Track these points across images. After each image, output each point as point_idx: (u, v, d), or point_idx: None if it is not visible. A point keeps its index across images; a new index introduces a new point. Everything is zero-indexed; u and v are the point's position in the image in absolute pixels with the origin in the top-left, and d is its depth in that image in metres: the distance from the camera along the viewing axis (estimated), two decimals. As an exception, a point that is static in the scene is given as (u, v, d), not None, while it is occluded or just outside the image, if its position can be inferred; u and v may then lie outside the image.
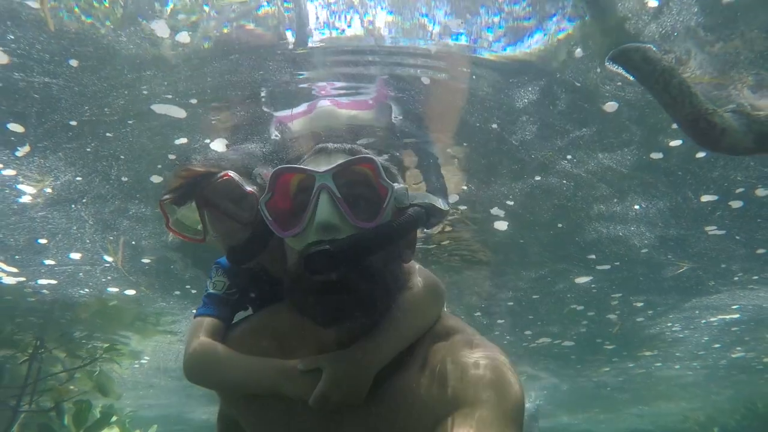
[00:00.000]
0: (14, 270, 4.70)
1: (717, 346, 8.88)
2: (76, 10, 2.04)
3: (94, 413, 5.28)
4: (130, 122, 2.72)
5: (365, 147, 0.97)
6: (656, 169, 3.28)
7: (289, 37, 2.20)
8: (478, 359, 0.87)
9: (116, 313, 5.73)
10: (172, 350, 7.44)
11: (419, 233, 4.06)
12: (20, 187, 3.36)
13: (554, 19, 2.09)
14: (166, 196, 1.31)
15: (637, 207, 3.78)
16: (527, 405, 0.87)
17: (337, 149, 0.92)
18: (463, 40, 2.19)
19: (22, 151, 3.00)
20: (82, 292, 5.25)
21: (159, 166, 3.13)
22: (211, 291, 1.23)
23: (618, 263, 4.84)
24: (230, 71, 2.39)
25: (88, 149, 2.97)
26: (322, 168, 0.83)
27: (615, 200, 3.70)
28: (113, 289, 5.24)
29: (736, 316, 6.98)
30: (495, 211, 3.83)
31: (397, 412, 0.87)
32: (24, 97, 2.54)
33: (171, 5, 2.05)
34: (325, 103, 2.61)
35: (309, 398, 0.86)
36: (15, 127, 2.77)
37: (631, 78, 2.22)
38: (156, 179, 3.26)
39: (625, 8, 2.06)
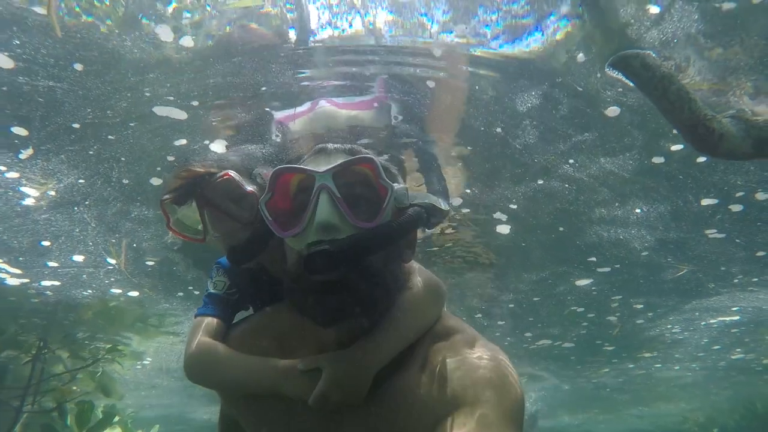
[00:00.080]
0: (18, 271, 4.72)
1: (717, 347, 8.89)
2: (77, 9, 2.04)
3: (96, 414, 5.29)
4: (131, 124, 2.73)
5: (365, 147, 0.99)
6: (657, 174, 3.29)
7: (291, 36, 2.21)
8: (478, 359, 0.87)
9: (119, 315, 5.74)
10: (175, 351, 7.46)
11: (420, 234, 4.06)
12: (23, 189, 3.38)
13: (552, 18, 2.09)
14: (167, 196, 1.32)
15: (638, 211, 3.80)
16: (526, 407, 0.89)
17: (337, 149, 0.92)
18: (461, 37, 2.19)
19: (25, 154, 3.01)
20: (85, 293, 5.27)
21: (158, 168, 3.14)
22: (211, 291, 1.23)
23: (618, 266, 4.86)
24: (232, 73, 2.40)
25: (91, 152, 2.98)
26: (322, 168, 0.83)
27: (616, 204, 3.72)
28: (116, 291, 5.26)
29: (736, 318, 6.99)
30: (498, 215, 3.85)
31: (397, 412, 0.86)
32: (28, 100, 2.56)
33: (173, 5, 2.06)
34: (325, 104, 2.61)
35: (309, 398, 0.86)
36: (19, 131, 2.78)
37: (631, 84, 2.24)
38: (156, 181, 3.27)
39: (627, 14, 2.07)
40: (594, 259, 4.70)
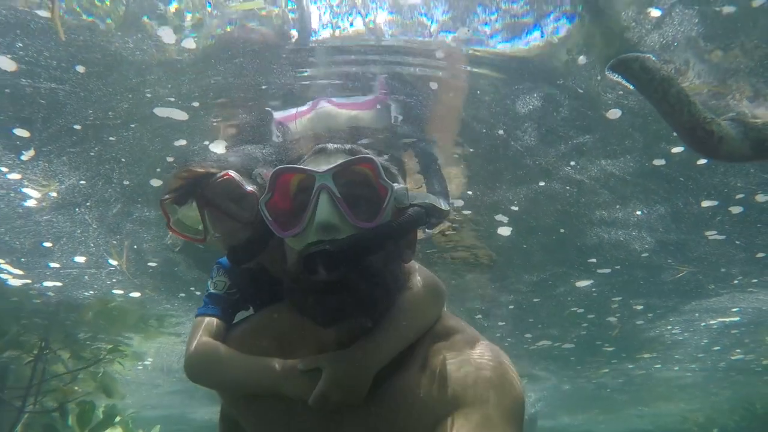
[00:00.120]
0: (20, 272, 4.73)
1: (716, 348, 8.90)
2: (77, 9, 2.04)
3: (97, 414, 5.31)
4: (132, 126, 2.73)
5: (366, 147, 0.99)
6: (658, 176, 3.30)
7: (292, 36, 2.21)
8: (478, 359, 0.87)
9: (120, 315, 5.75)
10: (176, 351, 7.47)
11: (420, 234, 4.05)
12: (25, 190, 3.39)
13: (551, 17, 2.09)
14: (167, 196, 1.32)
15: (638, 213, 3.81)
16: (526, 408, 0.89)
17: (337, 149, 0.92)
18: (461, 36, 2.19)
19: (27, 156, 3.02)
20: (87, 294, 5.28)
21: (158, 170, 3.15)
22: (212, 291, 1.23)
23: (618, 267, 4.87)
24: (234, 74, 2.40)
25: (92, 153, 2.99)
26: (322, 168, 0.83)
27: (617, 206, 3.73)
28: (118, 292, 5.27)
29: (736, 319, 7.00)
30: (499, 217, 3.86)
31: (397, 412, 0.87)
32: (30, 102, 2.56)
33: (174, 4, 2.06)
34: (325, 104, 2.62)
35: (309, 398, 0.86)
36: (21, 132, 2.79)
37: (631, 87, 2.25)
38: (155, 183, 3.28)
39: (628, 17, 2.08)
40: (594, 260, 4.71)
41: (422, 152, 3.05)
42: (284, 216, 0.88)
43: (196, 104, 2.57)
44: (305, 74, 2.39)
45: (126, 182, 3.30)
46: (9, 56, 2.25)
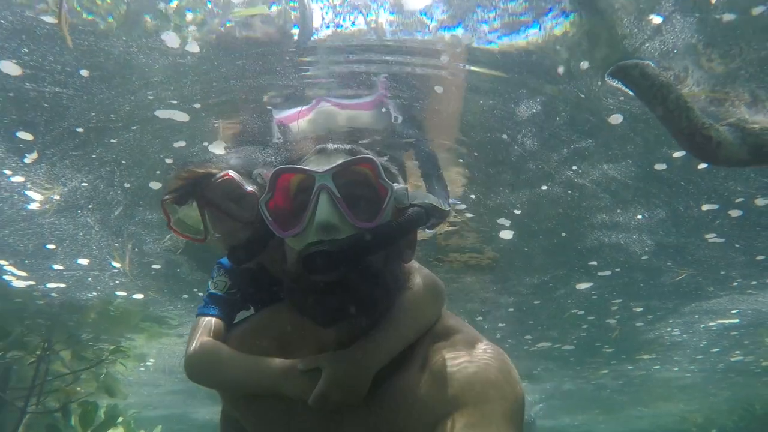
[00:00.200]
0: (24, 274, 4.75)
1: (716, 350, 8.92)
2: (77, 8, 2.03)
3: (99, 414, 5.32)
4: (133, 128, 2.74)
5: (366, 147, 0.98)
6: (659, 180, 3.32)
7: (293, 35, 2.21)
8: (478, 359, 0.87)
9: (123, 316, 5.76)
10: (177, 352, 7.48)
11: (422, 235, 4.05)
12: (28, 193, 3.41)
13: (550, 14, 2.09)
14: (167, 197, 1.33)
15: (639, 217, 3.83)
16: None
17: (337, 149, 0.92)
18: (460, 33, 2.19)
19: (30, 158, 3.04)
20: (90, 295, 5.30)
21: (158, 172, 3.15)
22: (212, 291, 1.24)
23: (618, 269, 4.89)
24: (236, 76, 2.41)
25: (93, 156, 3.00)
26: (322, 168, 0.83)
27: (618, 210, 3.75)
28: (121, 293, 5.28)
29: (736, 320, 7.01)
30: (501, 220, 3.87)
31: (397, 412, 0.86)
32: (34, 106, 2.57)
33: (175, 2, 2.05)
34: (325, 104, 2.62)
35: (309, 398, 0.86)
36: (24, 135, 2.80)
37: (631, 93, 2.27)
38: (155, 185, 3.29)
39: (631, 23, 2.10)
40: (594, 262, 4.73)
41: (422, 152, 3.05)
42: (284, 216, 0.88)
43: (197, 106, 2.58)
44: (306, 73, 2.40)
45: (127, 185, 3.31)
46: (14, 61, 2.26)
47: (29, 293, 5.18)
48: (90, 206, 3.59)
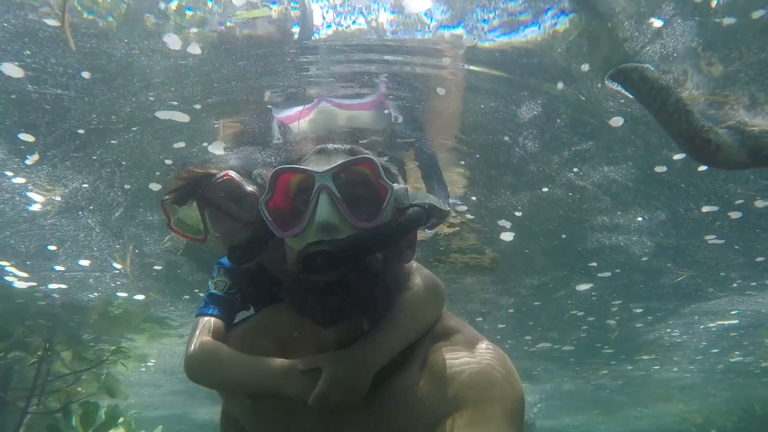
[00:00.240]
0: (25, 275, 4.76)
1: (715, 351, 8.93)
2: (78, 7, 2.03)
3: (100, 415, 5.33)
4: (133, 129, 2.74)
5: (366, 148, 0.99)
6: (660, 182, 3.33)
7: (294, 33, 2.21)
8: (478, 359, 0.87)
9: (124, 317, 5.77)
10: (178, 353, 7.49)
11: (423, 236, 4.02)
12: (30, 195, 3.41)
13: (549, 13, 2.09)
14: (168, 197, 1.33)
15: (639, 219, 3.84)
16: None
17: (337, 149, 0.92)
18: (460, 31, 2.19)
19: (31, 160, 3.04)
20: (91, 296, 5.31)
21: (157, 173, 3.16)
22: (212, 291, 1.24)
23: (618, 270, 4.90)
24: (237, 77, 2.41)
25: (94, 157, 3.01)
26: (322, 168, 0.83)
27: (619, 212, 3.76)
28: (122, 294, 5.29)
29: (735, 321, 7.03)
30: (502, 222, 3.88)
31: (397, 412, 0.86)
32: (36, 108, 2.58)
33: (175, 1, 2.05)
34: (326, 104, 2.62)
35: (309, 398, 0.86)
36: (25, 137, 2.81)
37: (630, 96, 2.28)
38: (155, 186, 3.29)
39: (632, 27, 2.11)
40: (594, 264, 4.74)
41: (422, 153, 3.06)
42: (284, 216, 0.88)
43: (197, 106, 2.58)
44: (307, 73, 2.40)
45: (127, 186, 3.32)
46: (17, 63, 2.27)
47: (31, 294, 5.19)
48: (91, 207, 3.60)
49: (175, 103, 2.55)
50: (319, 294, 0.79)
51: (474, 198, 3.57)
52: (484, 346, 0.91)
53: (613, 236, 4.16)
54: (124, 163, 3.06)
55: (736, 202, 3.57)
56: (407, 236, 0.89)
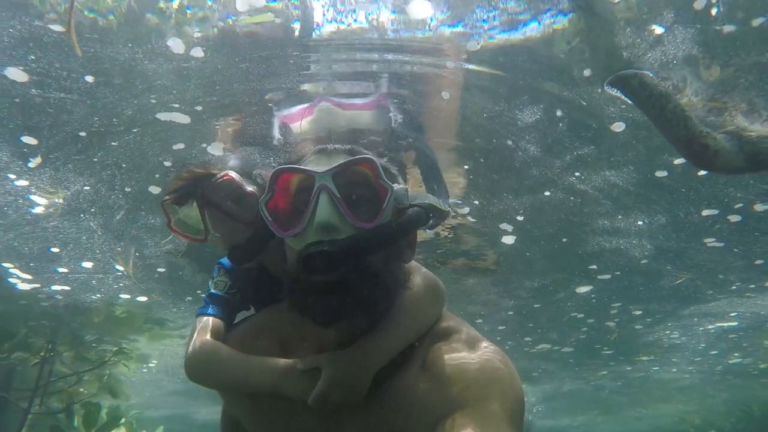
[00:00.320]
0: (29, 277, 4.78)
1: (714, 352, 8.95)
2: (78, 6, 2.03)
3: (102, 415, 5.34)
4: (134, 130, 2.75)
5: (366, 148, 0.97)
6: (660, 186, 3.35)
7: (295, 31, 2.20)
8: (478, 359, 0.87)
9: (127, 318, 5.77)
10: (180, 353, 7.50)
11: (424, 236, 4.00)
12: (33, 197, 3.43)
13: (548, 13, 2.09)
14: (168, 197, 1.33)
15: (640, 223, 3.87)
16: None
17: (337, 149, 0.92)
18: (461, 30, 2.19)
19: (34, 163, 3.06)
20: (94, 297, 5.32)
21: (156, 176, 3.16)
22: (212, 291, 1.24)
23: (618, 273, 4.92)
24: (240, 79, 2.42)
25: (95, 159, 3.01)
26: (322, 168, 0.83)
27: (619, 216, 3.79)
28: (125, 296, 5.31)
29: (734, 323, 7.04)
30: (504, 226, 3.90)
31: (397, 412, 0.86)
32: (39, 111, 2.59)
33: (176, 1, 2.06)
34: (327, 104, 2.62)
35: (309, 398, 0.86)
36: (28, 140, 2.82)
37: (629, 101, 2.30)
38: (154, 189, 3.30)
39: (633, 33, 2.12)
40: (594, 266, 4.76)
41: (422, 153, 3.06)
42: (284, 216, 0.88)
43: (198, 108, 2.59)
44: (308, 72, 2.40)
45: (128, 189, 3.33)
46: (21, 68, 2.29)
47: (34, 295, 5.20)
48: (92, 210, 3.61)
49: (177, 105, 2.56)
50: (319, 294, 0.79)
51: (477, 202, 3.59)
52: (484, 346, 0.91)
53: (614, 239, 4.18)
54: (124, 165, 3.07)
55: (736, 206, 3.59)
56: (407, 236, 0.88)
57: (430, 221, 0.92)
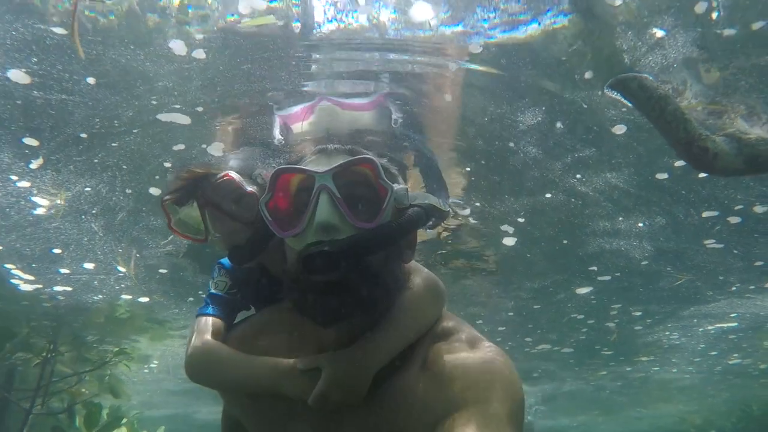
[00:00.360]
0: (31, 278, 4.80)
1: (714, 353, 8.96)
2: (85, 12, 2.04)
3: (103, 415, 5.35)
4: (134, 131, 2.76)
5: (366, 148, 0.97)
6: (661, 188, 3.36)
7: (296, 29, 2.21)
8: (478, 359, 0.87)
9: (129, 319, 5.78)
10: (181, 353, 7.48)
11: (425, 237, 3.99)
12: (35, 199, 3.43)
13: (549, 14, 2.10)
14: (168, 197, 1.33)
15: (640, 224, 3.88)
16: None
17: (338, 150, 0.92)
18: (461, 29, 2.19)
19: (36, 164, 3.06)
20: (96, 298, 5.34)
21: (156, 177, 3.17)
22: (213, 291, 1.24)
23: (618, 274, 4.93)
24: (241, 80, 2.43)
25: (96, 160, 3.02)
26: (322, 168, 0.83)
27: (620, 218, 3.80)
28: (127, 297, 5.32)
29: (734, 324, 7.05)
30: (505, 227, 3.91)
31: (397, 412, 0.86)
32: (41, 113, 2.60)
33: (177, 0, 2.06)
34: (327, 104, 2.62)
35: (309, 398, 0.86)
36: (30, 141, 2.83)
37: (629, 104, 2.31)
38: (155, 191, 3.31)
39: (634, 37, 2.13)
40: (595, 268, 4.77)
41: (422, 153, 3.07)
42: (284, 216, 0.88)
43: (200, 109, 2.59)
44: (309, 71, 2.41)
45: (128, 190, 3.33)
46: (24, 70, 2.30)
47: (36, 296, 5.21)
48: (94, 212, 3.62)
49: (178, 105, 2.56)
50: (319, 294, 0.79)
51: (478, 204, 3.59)
52: (484, 346, 0.91)
53: (614, 241, 4.19)
54: (124, 166, 3.08)
55: (736, 208, 3.60)
56: (407, 236, 0.88)
57: (431, 221, 0.93)
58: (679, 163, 3.06)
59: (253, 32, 2.19)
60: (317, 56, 2.31)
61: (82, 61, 2.28)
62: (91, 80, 2.39)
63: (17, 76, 2.33)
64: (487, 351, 0.89)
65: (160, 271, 4.66)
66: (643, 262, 4.62)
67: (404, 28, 2.18)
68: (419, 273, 1.01)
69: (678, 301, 5.82)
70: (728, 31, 2.08)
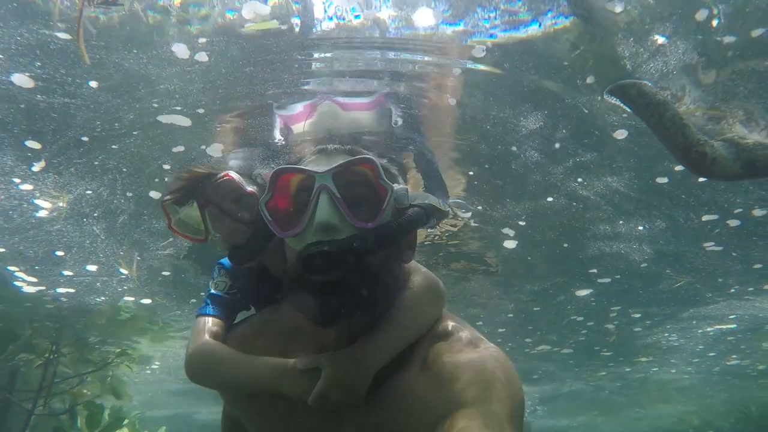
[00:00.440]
0: (34, 280, 4.81)
1: (713, 354, 8.97)
2: (91, 14, 2.04)
3: (104, 416, 5.36)
4: (135, 133, 2.76)
5: (366, 148, 0.97)
6: (661, 192, 3.38)
7: (296, 26, 2.20)
8: (478, 359, 0.87)
9: (131, 320, 5.78)
10: (182, 354, 7.49)
11: (426, 238, 3.98)
12: (37, 201, 3.44)
13: (549, 14, 2.09)
14: (168, 197, 1.33)
15: (641, 228, 3.90)
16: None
17: (338, 150, 0.92)
18: (462, 28, 2.19)
19: (38, 167, 3.07)
20: (99, 300, 5.35)
21: (156, 180, 3.17)
22: (213, 291, 1.24)
23: (618, 276, 4.95)
24: (243, 82, 2.43)
25: (96, 162, 3.02)
26: (322, 168, 0.83)
27: (621, 221, 3.81)
28: (129, 298, 5.33)
29: (733, 326, 7.07)
30: (506, 230, 3.92)
31: (397, 412, 0.86)
32: (43, 116, 2.60)
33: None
34: (327, 103, 2.62)
35: (309, 398, 0.86)
36: (32, 144, 2.83)
37: (629, 110, 2.32)
38: (154, 194, 3.31)
39: (636, 43, 2.14)
40: (595, 270, 4.79)
41: (422, 153, 3.07)
42: (284, 216, 0.88)
43: (201, 111, 2.60)
44: (310, 71, 2.41)
45: (129, 193, 3.34)
46: (27, 74, 2.31)
47: (39, 298, 5.22)
48: (95, 214, 3.62)
49: (179, 107, 2.56)
50: (319, 294, 0.80)
51: (480, 207, 3.61)
52: (484, 347, 0.91)
53: (614, 244, 4.21)
54: (124, 169, 3.08)
55: (735, 211, 3.62)
56: (407, 236, 0.88)
57: (430, 221, 0.92)
58: (679, 168, 3.08)
59: (255, 35, 2.20)
60: (318, 55, 2.31)
61: (85, 65, 2.29)
62: (93, 84, 2.40)
63: (21, 80, 2.34)
64: (487, 351, 0.89)
65: (163, 273, 4.66)
66: (643, 265, 4.64)
67: (405, 27, 2.18)
68: (419, 273, 1.01)
69: (677, 303, 5.84)
70: (728, 39, 2.10)
